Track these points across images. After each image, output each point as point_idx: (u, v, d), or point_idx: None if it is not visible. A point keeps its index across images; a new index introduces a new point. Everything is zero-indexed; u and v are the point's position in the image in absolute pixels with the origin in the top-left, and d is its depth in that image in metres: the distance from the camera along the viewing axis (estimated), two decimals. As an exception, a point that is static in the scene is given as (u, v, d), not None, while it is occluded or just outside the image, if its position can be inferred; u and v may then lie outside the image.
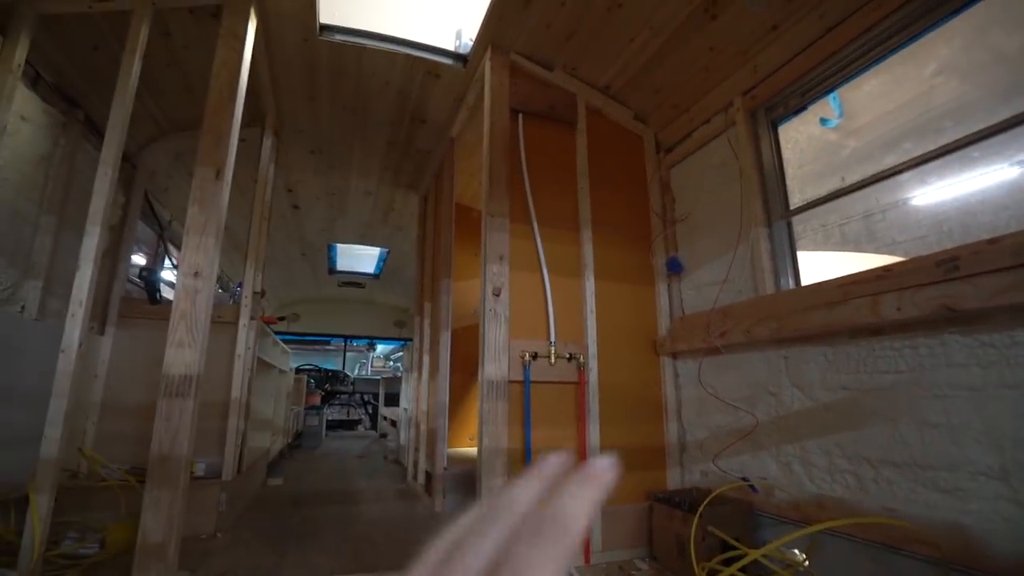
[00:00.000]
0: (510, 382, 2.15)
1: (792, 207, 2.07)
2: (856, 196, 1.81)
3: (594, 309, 2.39)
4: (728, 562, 1.76)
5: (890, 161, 1.70)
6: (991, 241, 1.31)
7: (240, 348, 2.61)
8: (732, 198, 2.25)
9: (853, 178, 1.81)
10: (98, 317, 2.62)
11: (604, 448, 2.26)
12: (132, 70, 1.79)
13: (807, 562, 1.69)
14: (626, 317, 2.48)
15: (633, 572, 2.02)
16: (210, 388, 2.55)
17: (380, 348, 12.34)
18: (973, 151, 1.53)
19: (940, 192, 1.57)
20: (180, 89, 2.67)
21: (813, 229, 2.00)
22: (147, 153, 2.97)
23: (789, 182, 2.14)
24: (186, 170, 3.23)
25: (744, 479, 2.03)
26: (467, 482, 2.93)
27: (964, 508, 1.35)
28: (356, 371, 12.32)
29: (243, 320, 2.66)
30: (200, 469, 2.47)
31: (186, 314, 1.71)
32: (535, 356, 2.20)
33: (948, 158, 1.55)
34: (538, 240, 2.36)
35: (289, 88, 2.79)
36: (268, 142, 2.90)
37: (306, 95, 2.87)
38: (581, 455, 2.21)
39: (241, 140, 3.02)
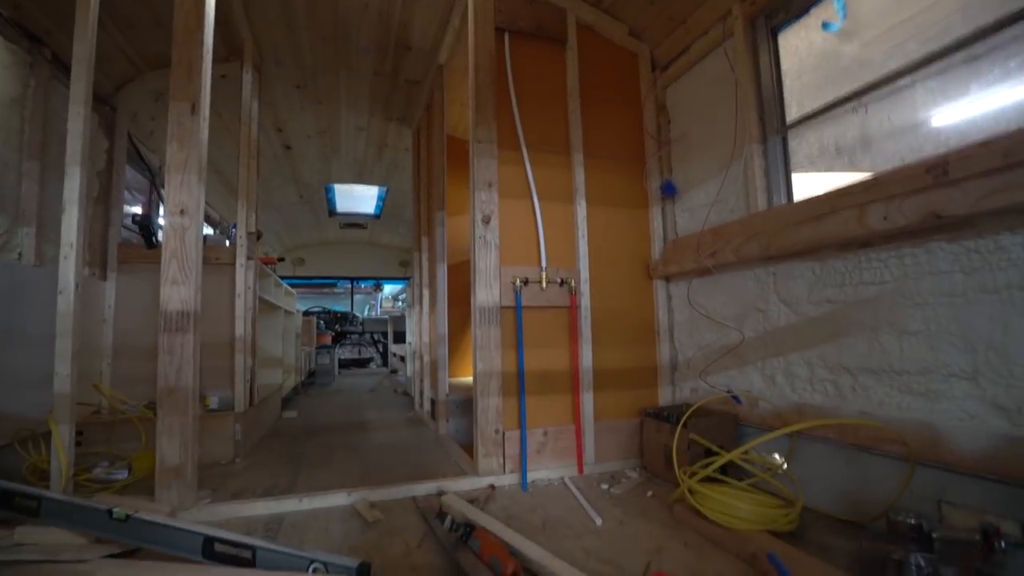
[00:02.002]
0: (502, 308, 2.19)
1: (789, 121, 2.00)
2: (858, 119, 1.74)
3: (586, 234, 2.38)
4: (708, 467, 1.86)
5: (893, 65, 1.61)
6: (983, 144, 1.27)
7: (239, 288, 2.66)
8: (728, 115, 2.17)
9: (854, 87, 1.73)
10: (98, 263, 2.67)
11: (597, 369, 2.34)
12: (91, 3, 1.71)
13: (785, 465, 1.79)
14: (619, 241, 2.48)
15: (623, 480, 2.15)
16: (215, 327, 2.64)
17: (387, 288, 12.50)
18: (979, 51, 1.44)
19: (946, 115, 1.51)
20: (150, 23, 2.56)
21: (809, 156, 1.94)
22: (125, 94, 2.89)
23: (787, 95, 2.05)
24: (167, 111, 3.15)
25: (728, 392, 2.11)
26: (468, 407, 3.06)
27: (934, 408, 1.41)
28: (365, 312, 12.54)
29: (240, 260, 2.69)
30: (214, 402, 2.61)
31: (177, 252, 1.74)
32: (526, 282, 2.23)
33: (955, 71, 1.47)
34: (528, 166, 2.32)
35: (264, 16, 2.65)
36: (248, 76, 2.80)
37: (283, 23, 2.73)
38: (574, 376, 2.29)
39: (221, 76, 2.95)
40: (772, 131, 2.02)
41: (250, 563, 1.30)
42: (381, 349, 9.98)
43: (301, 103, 3.60)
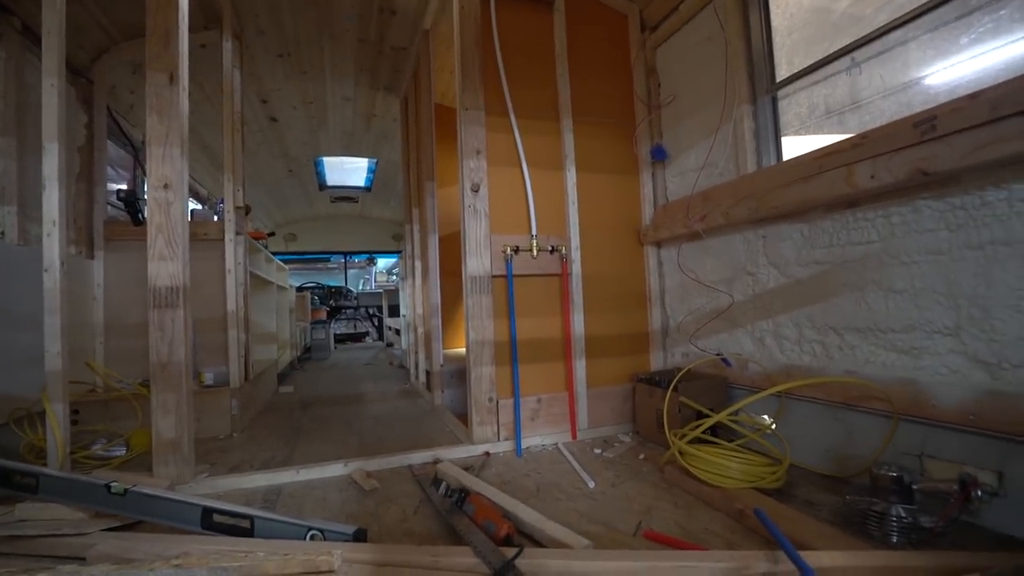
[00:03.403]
0: (493, 276, 2.19)
1: (779, 80, 1.97)
2: (849, 78, 1.71)
3: (576, 201, 2.36)
4: (698, 428, 1.90)
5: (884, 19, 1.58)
6: (971, 96, 1.25)
7: (230, 263, 2.64)
8: (717, 75, 2.13)
9: (844, 42, 1.70)
10: (85, 242, 2.63)
11: (588, 336, 2.36)
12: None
13: (774, 425, 1.83)
14: (609, 208, 2.46)
15: (616, 444, 2.19)
16: (207, 303, 2.63)
17: (381, 263, 12.45)
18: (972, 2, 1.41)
19: (940, 74, 1.48)
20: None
21: (800, 116, 1.91)
22: (102, 66, 2.79)
23: (777, 53, 2.01)
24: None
25: (719, 355, 2.13)
26: (462, 377, 3.10)
27: (917, 365, 1.43)
28: (360, 286, 12.52)
29: (228, 235, 2.66)
30: (209, 378, 2.62)
31: (162, 227, 1.72)
32: (517, 250, 2.22)
33: (948, 27, 1.43)
34: (516, 133, 2.28)
35: (240, -20, 2.55)
36: (228, 45, 2.71)
37: (260, -13, 2.64)
38: (567, 344, 2.31)
39: (201, 46, 2.86)
40: (762, 91, 1.99)
41: (248, 532, 1.33)
42: (376, 323, 10.01)
43: (285, 73, 3.50)
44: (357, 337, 10.26)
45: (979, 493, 1.17)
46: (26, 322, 2.11)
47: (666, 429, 1.80)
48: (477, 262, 2.17)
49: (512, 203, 2.27)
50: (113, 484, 1.45)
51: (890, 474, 1.29)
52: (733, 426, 1.83)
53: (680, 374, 2.00)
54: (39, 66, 1.66)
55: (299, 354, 5.85)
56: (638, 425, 2.33)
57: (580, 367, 2.33)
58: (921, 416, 1.40)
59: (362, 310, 10.15)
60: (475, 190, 2.18)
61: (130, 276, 2.71)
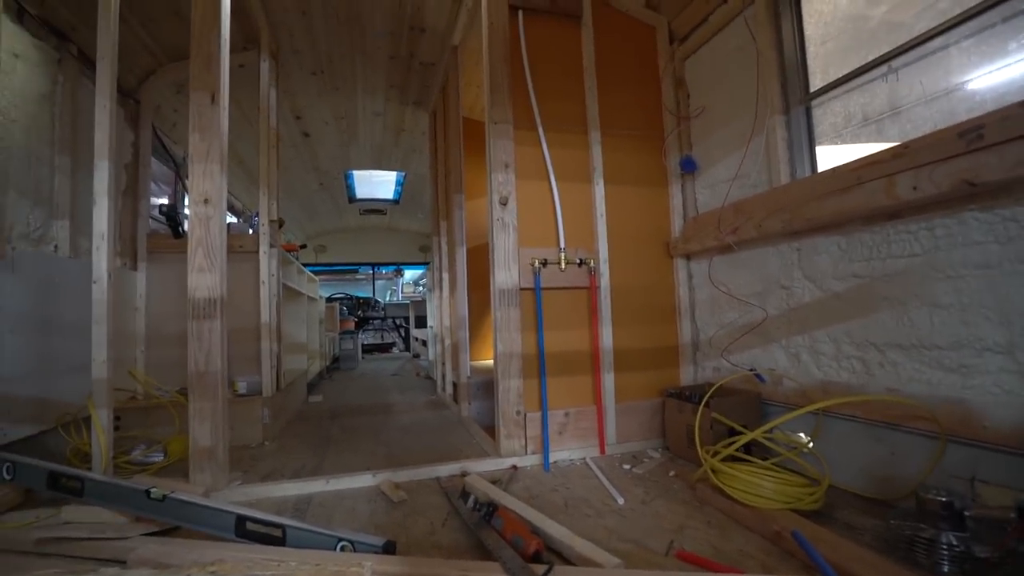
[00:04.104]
0: (521, 289, 2.19)
1: (812, 90, 1.93)
2: (887, 86, 1.66)
3: (604, 214, 2.35)
4: (731, 446, 1.85)
5: (924, 26, 1.54)
6: (1022, 104, 1.20)
7: (264, 275, 2.72)
8: (749, 86, 2.10)
9: (882, 50, 1.65)
10: (129, 254, 2.75)
11: (617, 349, 2.33)
12: (110, -8, 1.74)
13: (811, 444, 1.76)
14: (638, 220, 2.44)
15: (645, 459, 2.15)
16: (241, 314, 2.71)
17: (408, 274, 12.62)
18: (1020, 5, 1.36)
19: (984, 79, 1.44)
20: (169, 15, 2.59)
21: (835, 126, 1.87)
22: (148, 87, 2.94)
23: (810, 63, 1.97)
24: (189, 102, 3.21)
25: (752, 370, 2.08)
26: (489, 389, 3.09)
27: (966, 384, 1.36)
28: (387, 297, 12.70)
29: (263, 248, 2.74)
30: (242, 387, 2.69)
31: (202, 240, 1.78)
32: (545, 263, 2.22)
33: (993, 30, 1.39)
34: (544, 146, 2.29)
35: (279, 3, 2.66)
36: (266, 65, 2.82)
37: (298, 10, 2.74)
38: (595, 357, 2.28)
39: (239, 66, 2.98)
40: (795, 101, 1.95)
41: (280, 541, 1.35)
42: (403, 334, 10.12)
43: (318, 90, 3.62)
44: (384, 348, 10.38)
45: (1038, 522, 1.10)
46: (74, 331, 2.21)
47: (698, 446, 1.76)
48: (505, 275, 2.17)
49: (540, 216, 2.28)
50: (153, 490, 1.49)
51: (939, 499, 1.22)
52: (768, 444, 1.77)
53: (712, 389, 1.96)
54: (91, 88, 1.76)
55: (328, 364, 5.96)
56: (668, 441, 2.28)
57: (608, 381, 2.30)
58: (971, 438, 1.33)
59: (389, 321, 10.28)
60: (503, 203, 2.19)
61: (170, 287, 2.82)
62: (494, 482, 1.84)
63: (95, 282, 1.72)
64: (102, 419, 1.72)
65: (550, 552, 1.33)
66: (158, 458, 2.20)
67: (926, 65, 1.56)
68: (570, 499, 1.76)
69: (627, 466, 2.07)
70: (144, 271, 2.79)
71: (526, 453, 2.15)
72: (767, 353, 2.06)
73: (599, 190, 2.36)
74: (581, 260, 2.29)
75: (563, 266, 2.26)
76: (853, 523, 1.46)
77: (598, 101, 2.39)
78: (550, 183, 2.29)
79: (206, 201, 1.78)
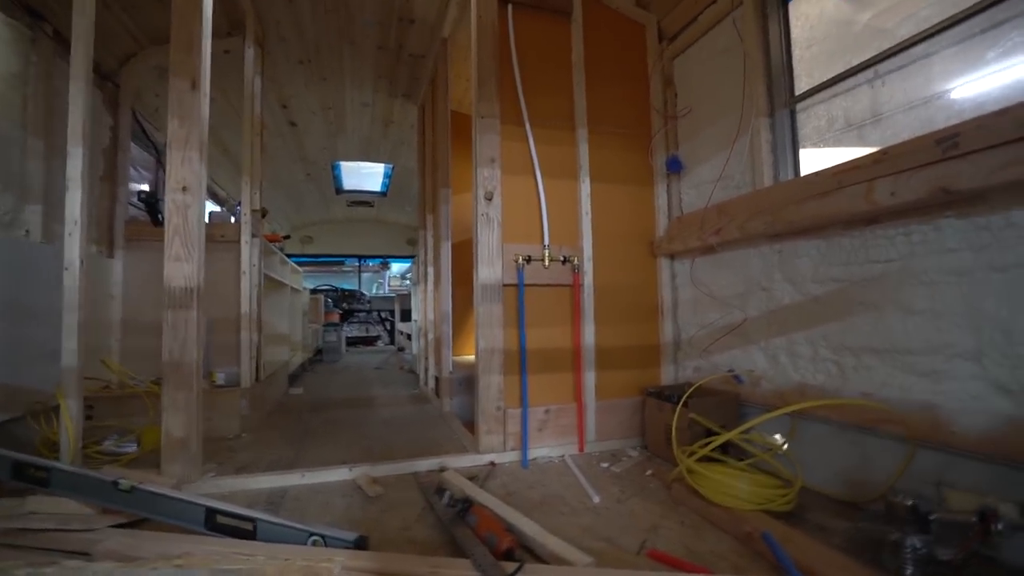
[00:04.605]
0: (504, 285, 2.19)
1: (798, 93, 1.94)
2: (870, 92, 1.68)
3: (589, 211, 2.35)
4: (707, 446, 1.86)
5: (905, 33, 1.55)
6: (999, 113, 1.21)
7: (245, 265, 2.68)
8: (736, 88, 2.11)
9: (866, 56, 1.67)
10: (105, 240, 2.69)
11: (599, 348, 2.34)
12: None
13: (786, 445, 1.78)
14: (623, 219, 2.44)
15: (624, 458, 2.16)
16: (221, 304, 2.67)
17: (395, 267, 12.54)
18: (1000, 16, 1.37)
19: (965, 88, 1.45)
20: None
21: (818, 130, 1.88)
22: (128, 70, 2.87)
23: (796, 66, 1.98)
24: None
25: (731, 371, 2.10)
26: (471, 384, 3.07)
27: (936, 389, 1.38)
28: (373, 290, 12.62)
29: (245, 237, 2.70)
30: (220, 378, 2.65)
31: (179, 229, 1.74)
32: (529, 259, 2.22)
33: (974, 40, 1.40)
34: (531, 142, 2.28)
35: (264, -14, 2.61)
36: (251, 52, 2.77)
37: (284, -6, 2.69)
38: (576, 355, 2.29)
39: (224, 52, 2.92)
40: (780, 104, 1.96)
41: (251, 535, 1.34)
42: (388, 327, 10.07)
43: (305, 79, 3.56)
44: (369, 341, 10.32)
45: (1000, 526, 1.12)
46: (45, 317, 2.16)
47: (674, 445, 1.77)
48: (489, 271, 2.16)
49: (525, 212, 2.27)
50: (121, 481, 1.46)
51: (906, 503, 1.24)
52: (744, 445, 1.79)
53: (691, 390, 1.97)
54: (68, 71, 1.71)
55: (311, 356, 5.90)
56: (647, 440, 2.29)
57: (590, 379, 2.31)
58: (940, 443, 1.35)
59: (375, 314, 10.22)
60: (488, 198, 2.18)
61: (148, 276, 2.77)
62: (471, 478, 1.83)
63: (66, 269, 1.68)
64: (71, 408, 1.69)
65: (523, 550, 1.33)
66: (131, 448, 2.16)
67: (908, 73, 1.58)
68: (547, 496, 1.76)
69: (605, 464, 2.08)
70: (121, 258, 2.73)
71: (505, 449, 2.15)
72: (746, 354, 2.07)
73: (585, 187, 2.35)
74: (565, 257, 2.29)
75: (547, 263, 2.25)
76: (825, 525, 1.48)
77: (586, 98, 2.38)
78: (536, 179, 2.28)
79: (184, 189, 1.74)
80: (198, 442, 1.80)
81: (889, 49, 1.59)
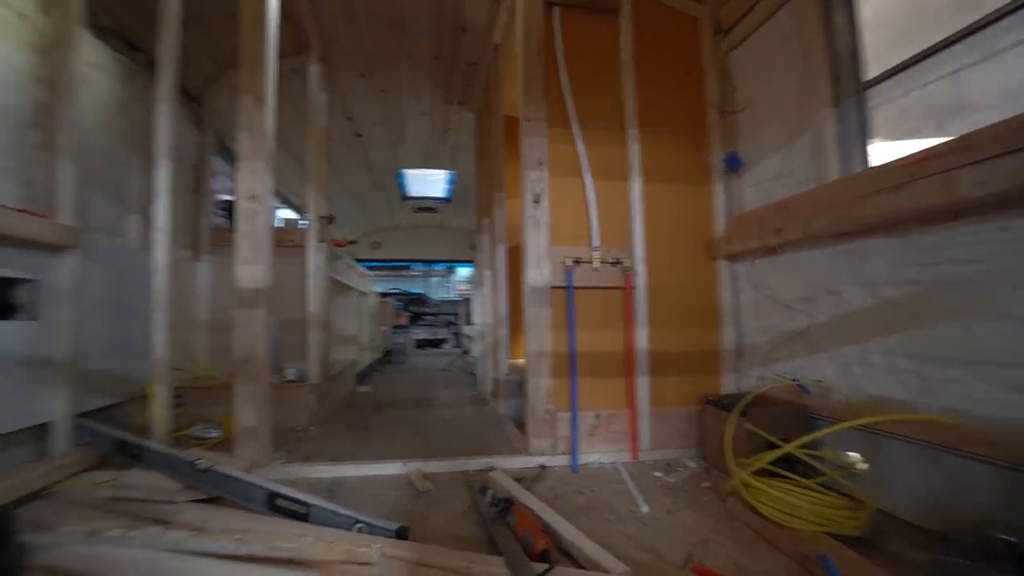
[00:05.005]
0: (553, 288, 2.18)
1: (866, 79, 1.78)
2: (952, 75, 1.51)
3: (641, 212, 2.29)
4: (767, 460, 1.74)
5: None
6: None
7: (311, 268, 2.86)
8: (798, 78, 1.97)
9: (947, 33, 1.50)
10: (193, 246, 2.97)
11: (653, 352, 2.26)
12: (170, 3, 1.88)
13: (863, 464, 1.63)
14: (678, 220, 2.36)
15: (679, 468, 2.08)
16: (289, 305, 2.86)
17: (461, 271, 12.83)
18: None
19: None
20: (230, 23, 2.76)
21: (891, 119, 1.72)
22: (210, 91, 3.17)
23: (865, 51, 1.82)
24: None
25: (794, 380, 1.96)
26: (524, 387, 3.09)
27: (1037, 405, 1.21)
28: (442, 294, 12.98)
29: (311, 242, 2.88)
30: (291, 374, 2.84)
31: (248, 234, 1.90)
32: (577, 262, 2.20)
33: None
34: (579, 143, 2.26)
35: (327, 9, 2.78)
36: (315, 69, 2.96)
37: (345, 15, 2.85)
38: (629, 359, 2.23)
39: (292, 70, 3.14)
40: (847, 93, 1.81)
41: (305, 518, 1.43)
42: (455, 330, 10.30)
43: (367, 91, 3.75)
44: (436, 343, 10.61)
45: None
46: (143, 315, 2.41)
47: (728, 457, 1.68)
48: (537, 273, 2.17)
49: (574, 214, 2.25)
50: (198, 461, 1.61)
51: (1003, 537, 1.09)
52: (811, 461, 1.65)
53: (747, 398, 1.86)
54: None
55: (379, 357, 6.17)
56: (705, 451, 2.19)
57: (643, 385, 2.24)
58: (1040, 466, 1.19)
59: (441, 317, 10.50)
60: (536, 201, 2.18)
61: (231, 278, 3.02)
62: (519, 479, 1.84)
63: (156, 272, 1.88)
64: (161, 395, 1.88)
65: (561, 553, 1.32)
66: (214, 434, 2.36)
67: (996, 51, 1.40)
68: (593, 502, 1.73)
69: (659, 474, 2.01)
70: (209, 262, 3.01)
71: (555, 453, 2.14)
72: (814, 363, 1.93)
73: (636, 188, 2.30)
74: (616, 259, 2.24)
75: (596, 265, 2.22)
76: (900, 554, 1.34)
77: (636, 97, 2.32)
78: (584, 181, 2.25)
79: (252, 197, 1.89)
80: (267, 431, 1.94)
81: (974, 23, 1.42)
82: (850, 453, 1.69)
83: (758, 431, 1.79)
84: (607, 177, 2.29)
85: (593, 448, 2.17)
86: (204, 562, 1.15)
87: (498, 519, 1.46)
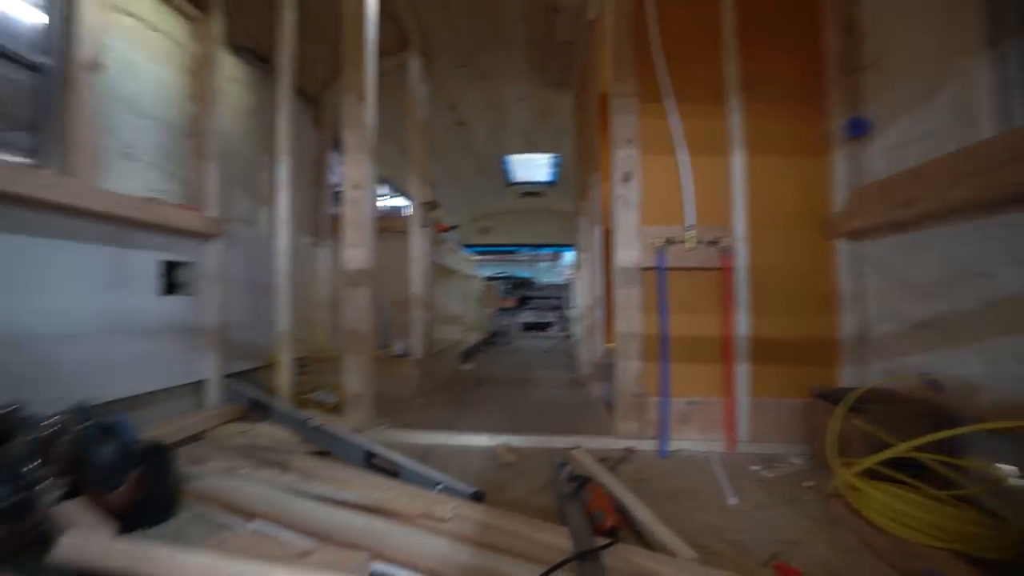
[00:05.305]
0: (643, 269, 2.11)
1: (1041, 12, 1.45)
2: None
3: (743, 188, 2.12)
4: (894, 464, 1.53)
5: None
6: None
7: (414, 252, 3.07)
8: (942, 19, 1.67)
9: None
10: (315, 233, 3.35)
11: (755, 339, 2.10)
12: (286, 17, 2.12)
13: (1022, 479, 1.38)
14: (786, 195, 2.14)
15: (781, 465, 1.92)
16: (395, 287, 3.10)
17: (568, 255, 12.82)
18: None
19: None
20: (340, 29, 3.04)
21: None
22: (326, 93, 3.51)
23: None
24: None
25: (926, 375, 1.69)
26: (617, 370, 3.04)
27: None
28: (549, 278, 13.09)
29: (414, 228, 3.09)
30: (398, 349, 3.09)
31: (353, 220, 2.10)
32: (670, 241, 2.10)
33: None
34: (673, 118, 2.14)
35: (425, 4, 2.91)
36: (415, 63, 3.14)
37: (441, 9, 2.97)
38: (727, 345, 2.10)
39: (397, 66, 3.35)
40: (1007, 33, 1.49)
41: (395, 475, 1.57)
42: (561, 314, 10.36)
43: (467, 81, 3.88)
44: (542, 326, 10.75)
45: None
46: (270, 294, 2.79)
47: (829, 455, 1.52)
48: (627, 254, 2.12)
49: (666, 193, 2.15)
50: (311, 420, 1.85)
51: None
52: (942, 469, 1.43)
53: (857, 392, 1.65)
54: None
55: (484, 338, 6.44)
56: (815, 448, 1.99)
57: (743, 373, 2.09)
58: None
59: (548, 301, 10.61)
60: (626, 180, 2.12)
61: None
62: (602, 460, 1.84)
63: (278, 256, 2.16)
64: (285, 361, 2.17)
65: (633, 534, 1.30)
66: (331, 399, 2.67)
67: None
68: (677, 489, 1.67)
69: (756, 467, 1.88)
70: (328, 248, 3.37)
71: (644, 437, 2.09)
72: (954, 357, 1.65)
73: (738, 162, 2.12)
74: (713, 239, 2.10)
75: (691, 245, 2.10)
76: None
77: (739, 62, 2.13)
78: (678, 157, 2.13)
79: (357, 186, 2.08)
80: (370, 398, 2.15)
81: None
82: (1002, 465, 1.44)
83: (866, 427, 1.59)
84: (703, 152, 2.14)
85: (684, 435, 2.08)
86: (309, 502, 1.33)
87: (572, 495, 1.48)
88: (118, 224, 1.79)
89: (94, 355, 1.74)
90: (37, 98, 1.70)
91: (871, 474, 1.46)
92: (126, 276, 1.86)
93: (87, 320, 1.72)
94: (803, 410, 2.04)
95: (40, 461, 1.20)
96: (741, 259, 2.11)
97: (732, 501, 1.56)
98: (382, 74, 2.35)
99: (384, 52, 2.20)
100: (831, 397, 1.87)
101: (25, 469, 1.17)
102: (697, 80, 2.16)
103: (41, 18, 1.73)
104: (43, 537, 1.10)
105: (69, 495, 1.21)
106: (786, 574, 1.14)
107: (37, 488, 1.16)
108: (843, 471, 1.41)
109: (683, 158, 2.13)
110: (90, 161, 1.72)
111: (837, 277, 2.12)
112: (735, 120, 2.12)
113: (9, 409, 1.35)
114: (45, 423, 1.28)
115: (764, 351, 2.11)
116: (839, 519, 1.43)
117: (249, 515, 1.29)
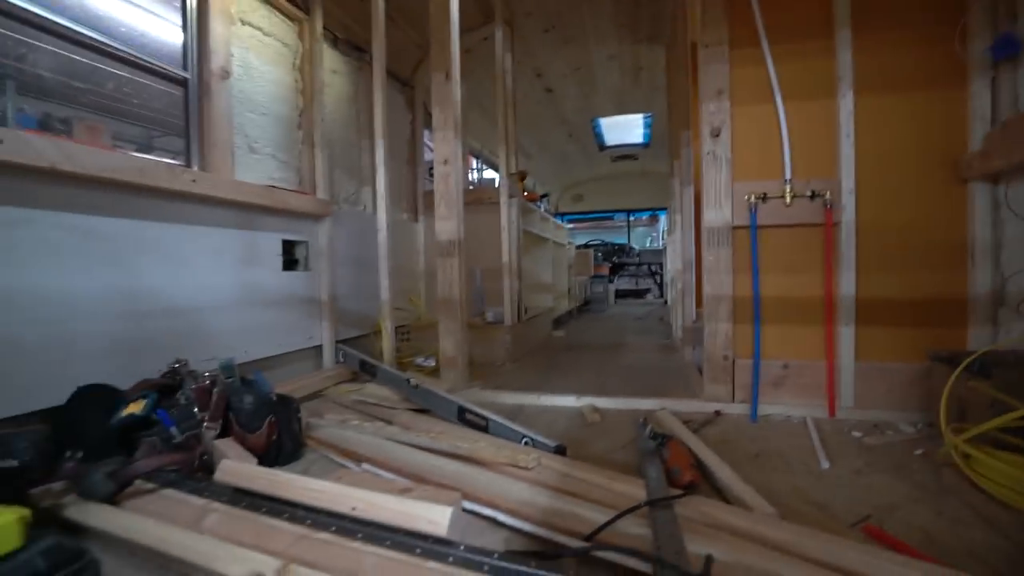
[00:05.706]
0: (734, 228, 2.03)
1: None
2: None
3: (852, 133, 1.92)
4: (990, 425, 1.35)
5: None
6: None
7: (504, 221, 3.18)
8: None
9: None
10: (411, 209, 3.59)
11: (862, 300, 1.94)
12: (378, 5, 2.27)
13: None
14: (906, 137, 1.90)
15: (888, 432, 1.78)
16: (488, 256, 3.25)
17: (664, 219, 12.28)
18: None
19: None
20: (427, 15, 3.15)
21: None
22: (418, 75, 3.67)
23: None
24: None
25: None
26: (709, 335, 2.95)
27: None
28: (646, 243, 12.68)
29: (503, 198, 3.19)
30: (490, 316, 3.26)
31: (443, 193, 2.24)
32: (764, 198, 1.98)
33: None
34: (769, 62, 1.98)
35: (507, -29, 2.92)
36: (500, 33, 3.17)
37: (524, -28, 2.95)
38: (828, 306, 1.96)
39: (484, 39, 3.41)
40: None
41: (484, 429, 1.72)
42: (658, 280, 10.04)
43: (553, 45, 3.84)
44: (639, 293, 10.51)
45: None
46: (375, 268, 3.07)
47: (942, 420, 1.39)
48: (716, 213, 2.04)
49: (761, 146, 2.01)
50: (411, 379, 2.06)
51: None
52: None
53: (979, 352, 1.47)
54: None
55: (578, 305, 6.48)
56: (934, 416, 1.81)
57: (846, 335, 1.95)
58: None
59: (645, 267, 10.32)
60: (715, 135, 2.02)
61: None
62: (687, 422, 1.85)
63: (379, 231, 2.38)
64: (387, 328, 2.41)
65: (713, 491, 1.32)
66: (430, 363, 2.91)
67: None
68: (765, 451, 1.64)
69: (858, 434, 1.77)
70: (423, 223, 3.60)
71: (734, 401, 2.05)
72: (1117, 313, 1.41)
73: (846, 104, 1.91)
74: (814, 192, 1.94)
75: (788, 200, 1.97)
76: None
77: (848, -13, 1.90)
78: (775, 105, 1.98)
79: (445, 162, 2.21)
80: (464, 361, 2.33)
81: None
82: None
83: (1001, 395, 1.42)
84: (804, 97, 1.96)
85: (778, 399, 2.00)
86: (408, 450, 1.51)
87: (653, 451, 1.52)
88: (249, 210, 2.10)
89: (235, 322, 2.09)
90: (183, 107, 2.03)
91: (995, 444, 1.32)
92: (256, 255, 2.19)
93: (229, 293, 2.07)
94: (919, 375, 1.86)
95: (199, 407, 1.50)
96: (848, 213, 1.93)
97: (825, 465, 1.50)
98: (469, 49, 2.44)
99: (469, 27, 2.28)
100: (955, 360, 1.68)
101: (193, 412, 1.47)
102: (797, 17, 1.96)
103: (179, 36, 2.04)
104: (206, 464, 1.39)
105: (220, 435, 1.50)
106: (877, 537, 1.10)
107: (201, 428, 1.46)
108: (953, 437, 1.30)
109: (780, 106, 1.97)
110: (225, 157, 2.02)
111: (967, 227, 1.87)
112: (845, 57, 1.91)
113: (178, 365, 1.69)
114: (201, 377, 1.58)
115: (872, 311, 1.94)
116: (951, 489, 1.32)
117: (359, 459, 1.49)
